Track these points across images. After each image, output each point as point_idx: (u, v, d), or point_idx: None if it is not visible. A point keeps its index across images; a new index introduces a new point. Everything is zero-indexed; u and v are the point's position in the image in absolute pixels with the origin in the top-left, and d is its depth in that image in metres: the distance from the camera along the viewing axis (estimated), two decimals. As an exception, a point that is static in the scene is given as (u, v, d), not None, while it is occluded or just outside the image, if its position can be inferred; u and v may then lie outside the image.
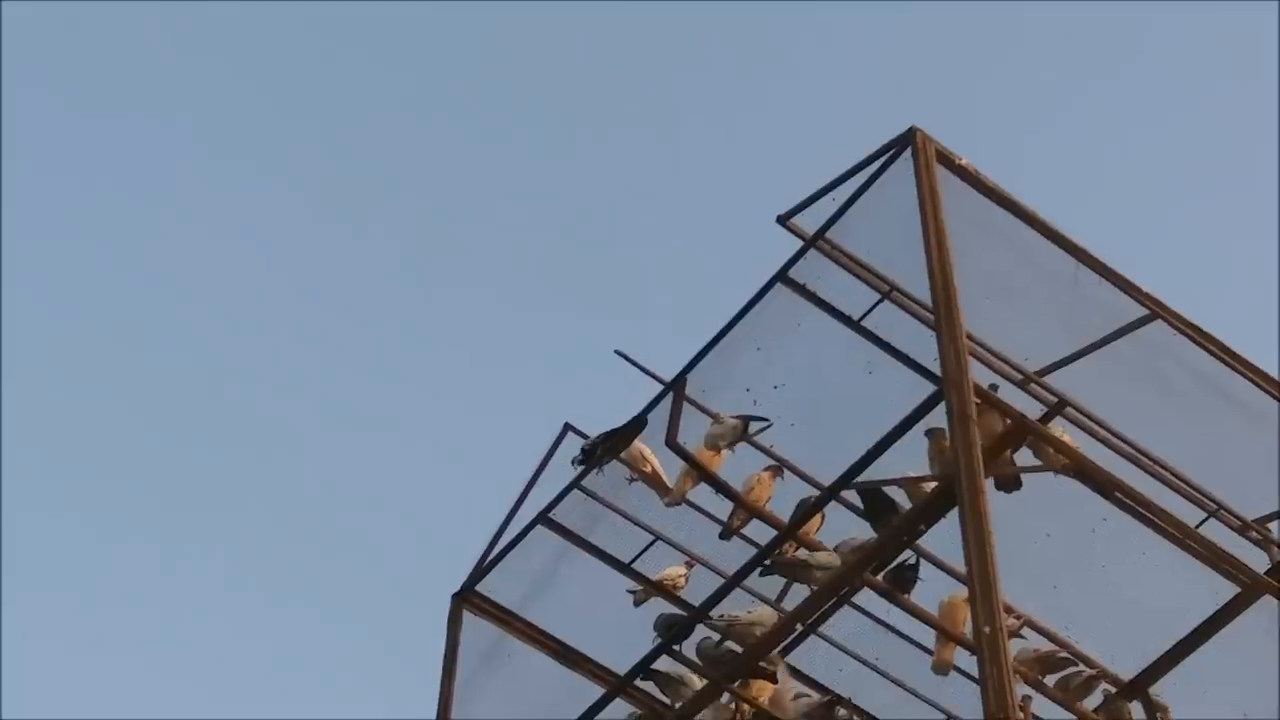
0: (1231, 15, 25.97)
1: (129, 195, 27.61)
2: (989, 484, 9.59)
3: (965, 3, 26.49)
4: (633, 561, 11.90)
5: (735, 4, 27.07)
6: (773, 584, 11.21)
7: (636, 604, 11.73)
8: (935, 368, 10.17)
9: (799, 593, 10.95)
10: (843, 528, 10.90)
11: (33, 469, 25.46)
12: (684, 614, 11.21)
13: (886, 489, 10.47)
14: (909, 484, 10.30)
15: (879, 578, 10.54)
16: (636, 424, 11.51)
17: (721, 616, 10.78)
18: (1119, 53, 27.65)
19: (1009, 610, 10.43)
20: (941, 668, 11.06)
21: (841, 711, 11.01)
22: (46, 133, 26.92)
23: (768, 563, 10.69)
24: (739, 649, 10.73)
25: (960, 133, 11.21)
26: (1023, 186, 11.11)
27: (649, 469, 11.54)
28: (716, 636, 10.82)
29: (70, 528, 26.18)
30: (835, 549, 10.65)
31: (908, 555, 10.59)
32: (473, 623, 12.11)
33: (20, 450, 24.67)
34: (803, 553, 10.71)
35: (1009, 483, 10.39)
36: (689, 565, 11.76)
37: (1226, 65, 27.53)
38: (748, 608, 10.97)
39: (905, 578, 10.60)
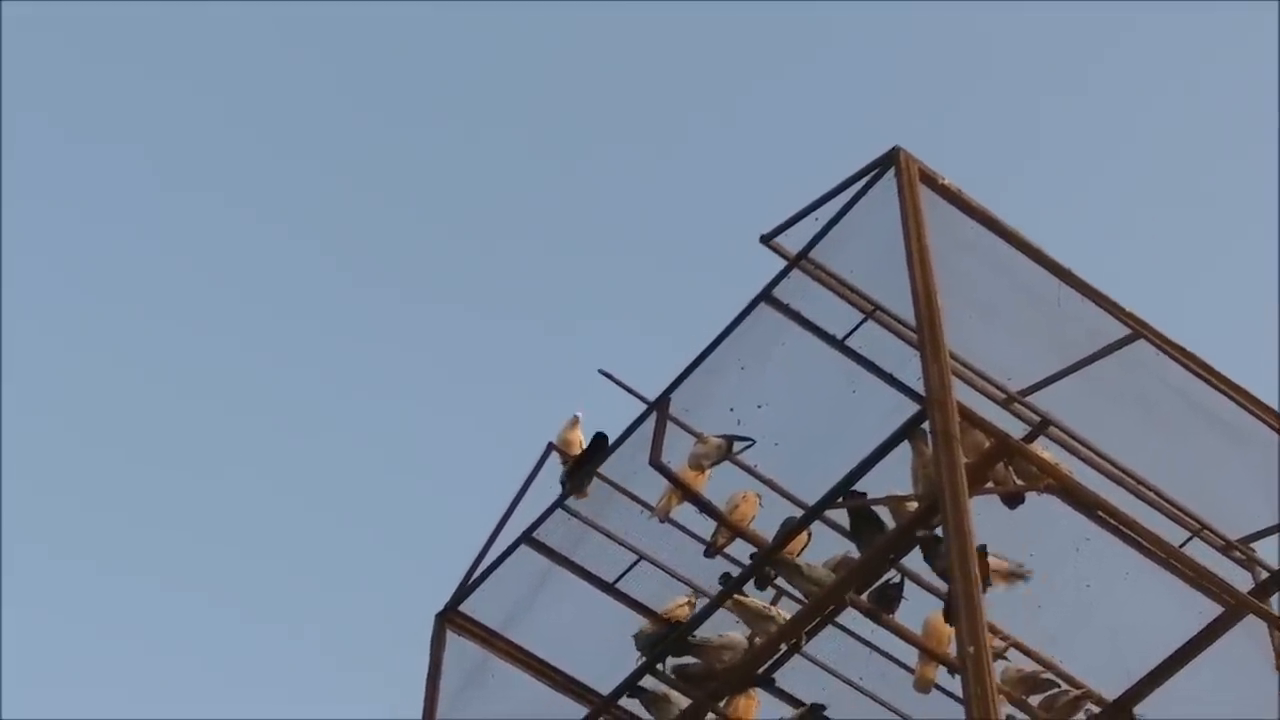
0: (1217, 17, 26.05)
1: (90, 215, 27.71)
2: (976, 502, 9.60)
3: (948, 24, 26.57)
4: (617, 581, 11.90)
5: (718, 21, 27.18)
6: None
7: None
8: (919, 387, 10.18)
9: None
10: (828, 547, 10.89)
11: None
12: (664, 632, 11.21)
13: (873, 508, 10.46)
14: (893, 503, 10.28)
15: (863, 597, 10.53)
16: (600, 447, 11.57)
17: (692, 637, 10.80)
18: (1101, 70, 27.74)
19: (995, 632, 10.43)
20: (923, 686, 11.04)
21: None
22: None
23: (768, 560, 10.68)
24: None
25: (943, 153, 11.24)
26: (1006, 207, 11.15)
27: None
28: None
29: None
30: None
31: (891, 574, 10.58)
32: (456, 642, 12.09)
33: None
34: (803, 560, 10.71)
35: (1013, 499, 10.38)
36: (691, 599, 11.69)
37: (1212, 77, 27.63)
38: (720, 632, 10.98)
39: (889, 597, 10.59)
